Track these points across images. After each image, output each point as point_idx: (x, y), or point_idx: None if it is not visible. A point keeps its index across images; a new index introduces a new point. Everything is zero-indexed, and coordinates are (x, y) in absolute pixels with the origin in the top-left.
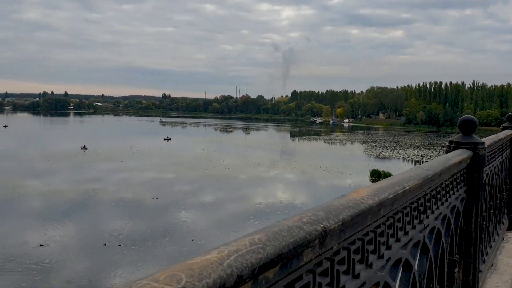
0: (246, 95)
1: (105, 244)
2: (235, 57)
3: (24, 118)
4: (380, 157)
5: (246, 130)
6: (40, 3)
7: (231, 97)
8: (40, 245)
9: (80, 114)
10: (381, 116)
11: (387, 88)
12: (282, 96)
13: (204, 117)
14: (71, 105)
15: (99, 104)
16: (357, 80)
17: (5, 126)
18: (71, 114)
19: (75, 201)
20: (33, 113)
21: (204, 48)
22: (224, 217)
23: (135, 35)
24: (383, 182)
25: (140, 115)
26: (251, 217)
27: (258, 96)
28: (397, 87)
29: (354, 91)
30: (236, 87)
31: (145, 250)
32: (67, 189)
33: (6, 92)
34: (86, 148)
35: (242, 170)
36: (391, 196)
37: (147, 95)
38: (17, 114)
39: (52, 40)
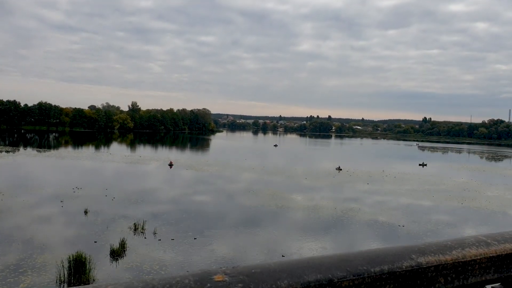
0: None
1: None
2: (510, 78)
3: (292, 139)
4: None
5: None
6: (313, 35)
7: (502, 121)
8: (282, 256)
9: (341, 137)
10: None
11: None
12: None
13: (468, 143)
14: (333, 128)
15: (358, 127)
16: None
17: (275, 146)
18: (333, 137)
19: (331, 218)
20: (300, 135)
21: (472, 69)
22: None
23: (398, 59)
24: None
25: (398, 139)
26: None
27: None
28: None
29: None
30: (510, 110)
31: None
32: (324, 205)
33: (280, 115)
34: (341, 169)
35: (509, 205)
36: None
37: (407, 118)
38: (287, 135)
39: (321, 68)
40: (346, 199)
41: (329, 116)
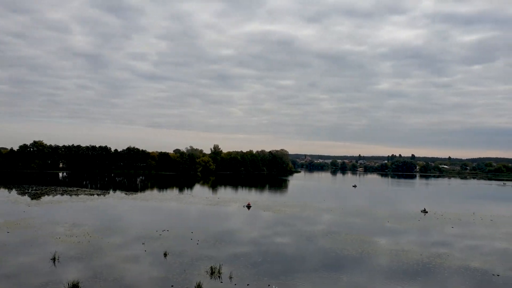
0: None
1: None
2: None
3: (372, 179)
4: None
5: None
6: (392, 73)
7: None
8: None
9: (426, 177)
10: None
11: None
12: None
13: None
14: (417, 167)
15: (445, 166)
16: None
17: (355, 186)
18: (417, 176)
19: (417, 264)
20: (381, 175)
21: None
22: None
23: (485, 95)
24: None
25: (489, 179)
26: None
27: None
28: None
29: None
30: None
31: None
32: (409, 250)
33: (359, 155)
34: (427, 212)
35: None
36: None
37: (498, 157)
38: (367, 175)
39: (402, 106)
40: (433, 243)
41: (412, 155)
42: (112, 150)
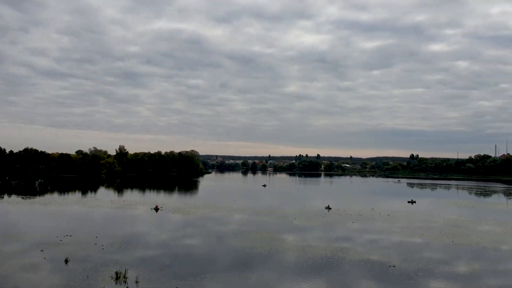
0: (508, 154)
1: None
2: (494, 114)
3: (281, 178)
4: None
5: (509, 194)
6: (300, 76)
7: (489, 157)
8: None
9: (330, 175)
10: None
11: None
12: None
13: (455, 179)
14: (322, 166)
15: (347, 165)
16: None
17: (264, 186)
18: (322, 175)
19: (322, 259)
20: (290, 174)
21: (457, 106)
22: None
23: (384, 98)
24: None
25: (387, 176)
26: None
27: None
28: None
29: None
30: (495, 145)
31: None
32: (315, 246)
33: (269, 155)
34: (330, 208)
35: (501, 240)
36: None
37: (394, 156)
38: (276, 174)
39: (309, 108)
40: (336, 238)
41: (318, 155)
42: (7, 151)
